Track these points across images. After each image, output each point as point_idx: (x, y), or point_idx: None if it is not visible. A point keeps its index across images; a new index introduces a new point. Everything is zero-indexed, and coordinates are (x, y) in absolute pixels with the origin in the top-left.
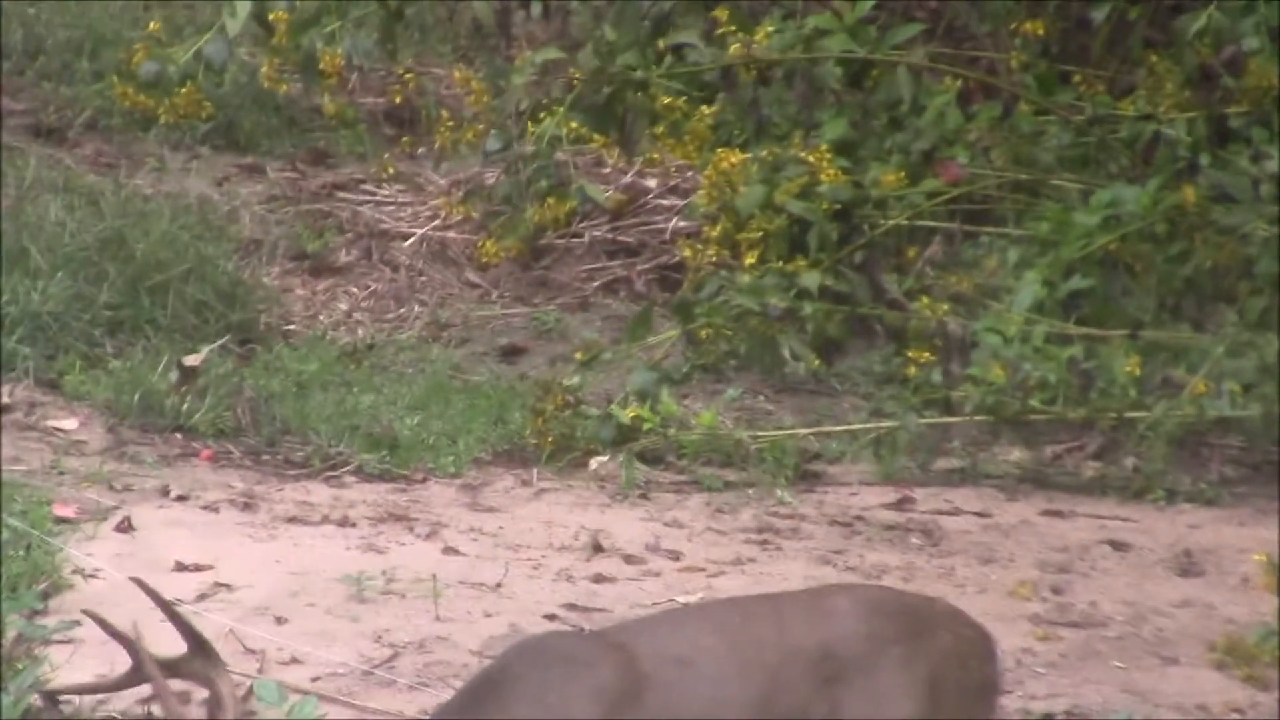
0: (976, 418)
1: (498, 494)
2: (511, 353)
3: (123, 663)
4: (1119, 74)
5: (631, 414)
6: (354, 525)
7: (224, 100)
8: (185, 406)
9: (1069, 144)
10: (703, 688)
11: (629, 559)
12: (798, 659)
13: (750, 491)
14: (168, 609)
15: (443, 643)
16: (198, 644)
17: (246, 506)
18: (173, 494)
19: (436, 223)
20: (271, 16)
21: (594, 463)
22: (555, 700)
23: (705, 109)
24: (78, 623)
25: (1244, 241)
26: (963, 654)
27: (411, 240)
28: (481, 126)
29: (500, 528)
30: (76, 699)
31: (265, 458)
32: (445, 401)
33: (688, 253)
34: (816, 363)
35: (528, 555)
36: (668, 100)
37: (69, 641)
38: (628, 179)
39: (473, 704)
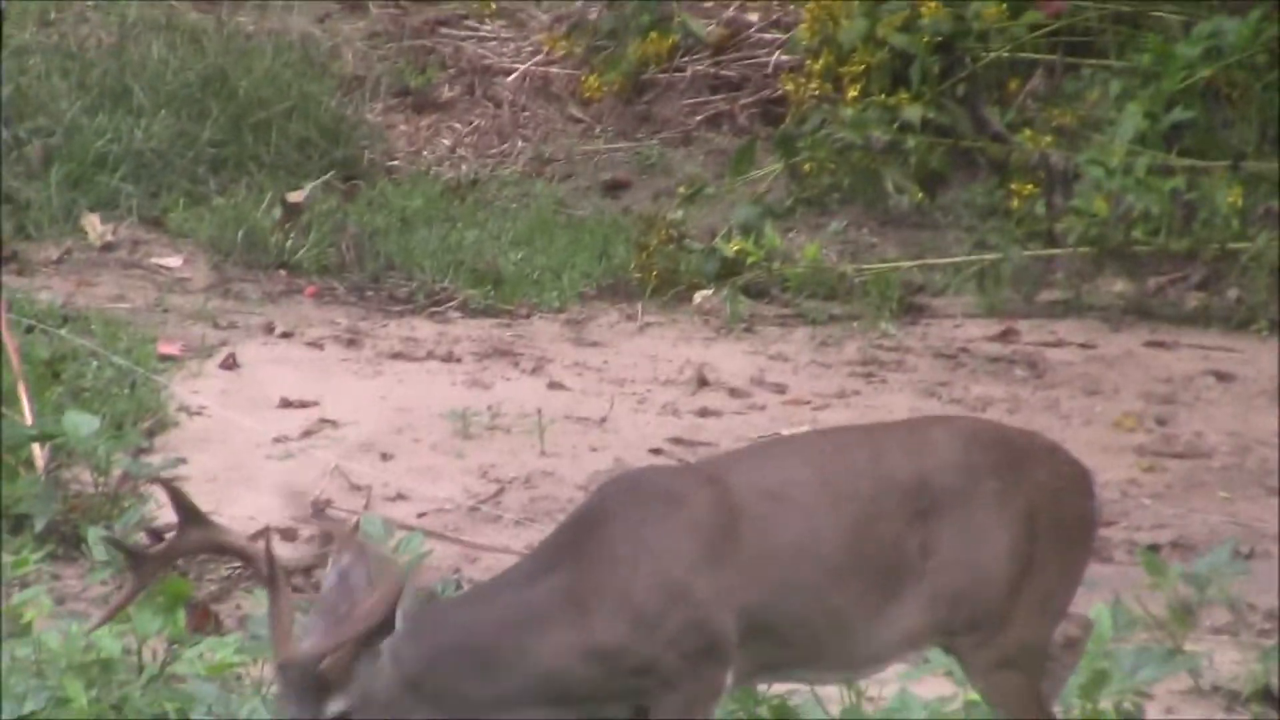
0: (1080, 249)
1: (602, 329)
2: (615, 187)
3: (227, 500)
4: None
5: (735, 248)
6: (459, 361)
7: None
8: (289, 243)
9: None
10: (796, 519)
11: (734, 393)
12: (892, 490)
13: (854, 324)
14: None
15: (548, 478)
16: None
17: (351, 343)
18: (277, 331)
19: (539, 58)
20: None
21: (698, 297)
22: (653, 535)
23: None
24: (183, 460)
25: None
26: (1060, 489)
27: (514, 76)
28: None
29: (605, 362)
30: None
31: (369, 294)
32: (549, 237)
33: (790, 87)
34: (919, 195)
35: (632, 389)
36: None
37: (174, 479)
38: (730, 13)
39: (573, 539)
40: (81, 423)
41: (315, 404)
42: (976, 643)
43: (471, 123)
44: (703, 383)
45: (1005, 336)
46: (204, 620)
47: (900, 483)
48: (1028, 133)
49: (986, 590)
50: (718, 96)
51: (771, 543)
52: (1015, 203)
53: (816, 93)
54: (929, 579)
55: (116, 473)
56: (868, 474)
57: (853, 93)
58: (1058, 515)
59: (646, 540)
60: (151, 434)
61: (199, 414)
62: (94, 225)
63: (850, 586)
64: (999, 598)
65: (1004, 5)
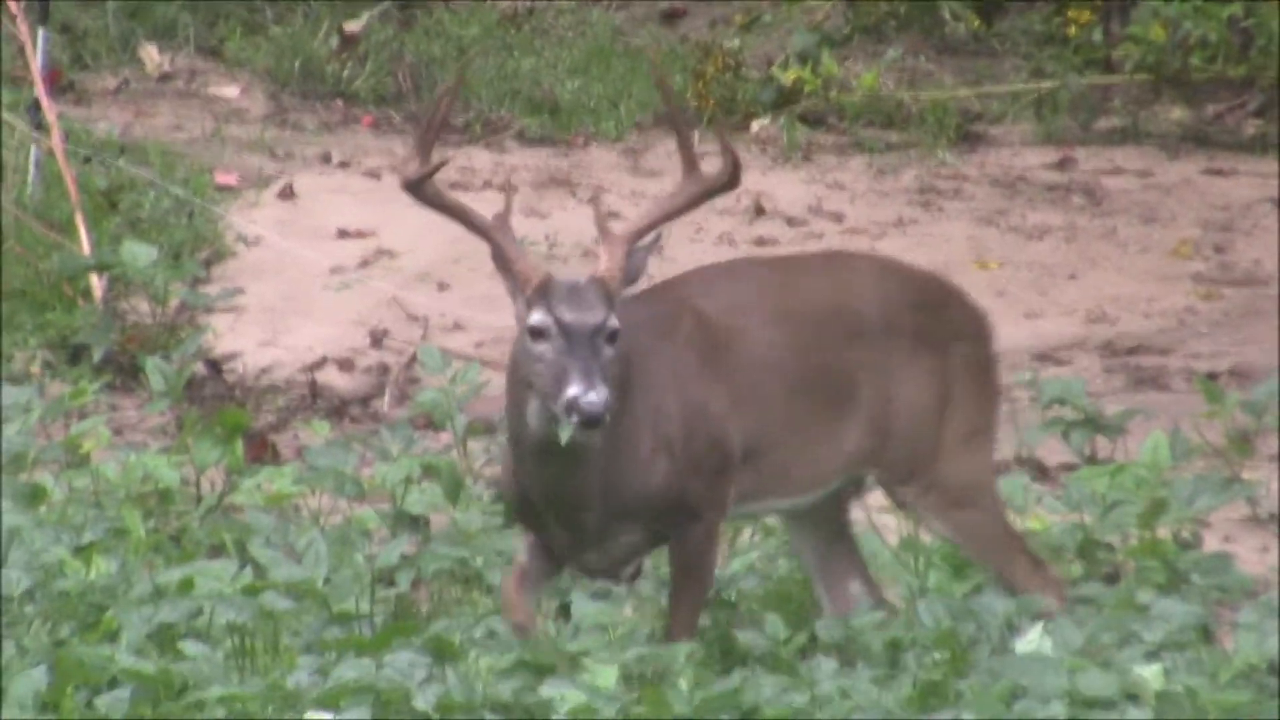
0: (1137, 77)
1: (659, 158)
2: (671, 16)
3: (284, 330)
4: None
5: (792, 76)
6: (515, 190)
7: None
8: (346, 73)
9: None
10: (761, 340)
11: (791, 221)
12: (829, 315)
13: (912, 152)
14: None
15: None
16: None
17: None
18: (334, 160)
19: None
20: None
21: (755, 125)
22: (661, 365)
23: None
24: (240, 290)
25: None
26: (968, 329)
27: None
28: None
29: (662, 190)
30: (239, 367)
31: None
32: (606, 65)
33: None
34: (976, 22)
35: (689, 218)
36: None
37: (231, 310)
38: None
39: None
40: (139, 253)
41: (372, 234)
42: (921, 489)
43: None
44: (760, 211)
45: (1063, 164)
46: (262, 450)
47: (835, 309)
48: None
49: (913, 420)
50: None
51: (748, 362)
52: (1072, 29)
53: None
54: (864, 404)
55: (174, 303)
56: (808, 299)
57: None
58: (968, 353)
59: (660, 353)
60: (209, 264)
61: (256, 244)
62: (151, 55)
63: (808, 404)
64: (926, 429)
65: None
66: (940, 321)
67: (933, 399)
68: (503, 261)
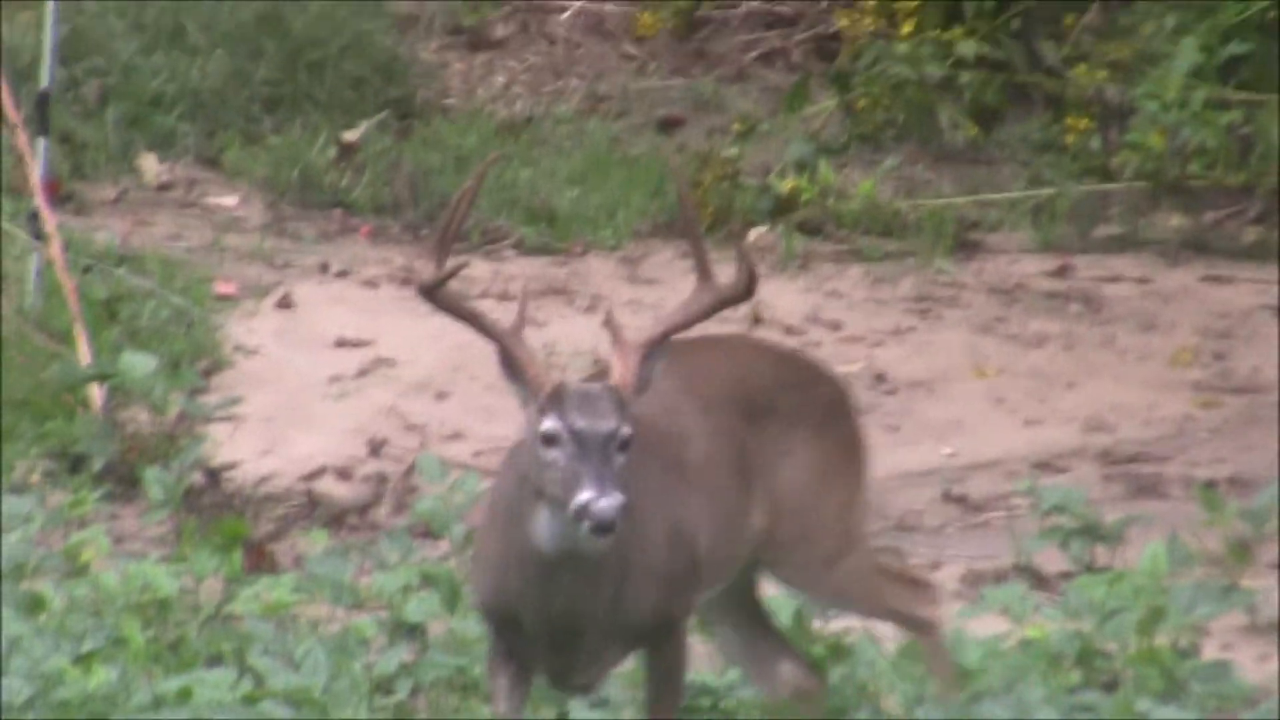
0: (1135, 184)
1: (657, 266)
2: (668, 124)
3: (283, 439)
4: None
5: (790, 185)
6: (514, 299)
7: None
8: (344, 182)
9: None
10: (693, 435)
11: (789, 329)
12: (726, 399)
13: (909, 261)
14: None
15: None
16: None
17: (406, 282)
18: (332, 270)
19: None
20: None
21: (753, 234)
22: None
23: None
24: (239, 400)
25: None
26: (838, 404)
27: (568, 13)
28: None
29: (660, 300)
30: (238, 476)
31: (424, 232)
32: (604, 174)
33: (844, 22)
34: (974, 131)
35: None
36: None
37: (230, 419)
38: None
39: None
40: (138, 363)
41: (371, 343)
42: (803, 561)
43: (525, 60)
44: (758, 320)
45: (1061, 272)
46: (260, 560)
47: (734, 393)
48: (1083, 67)
49: (799, 496)
50: (772, 32)
51: (695, 465)
52: (1070, 138)
53: (871, 28)
54: (760, 483)
55: (173, 412)
56: (715, 386)
57: (907, 28)
58: (840, 427)
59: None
60: (208, 374)
61: (255, 353)
62: (150, 165)
63: (730, 492)
64: (810, 504)
65: None
66: (812, 399)
67: (814, 475)
68: (514, 368)
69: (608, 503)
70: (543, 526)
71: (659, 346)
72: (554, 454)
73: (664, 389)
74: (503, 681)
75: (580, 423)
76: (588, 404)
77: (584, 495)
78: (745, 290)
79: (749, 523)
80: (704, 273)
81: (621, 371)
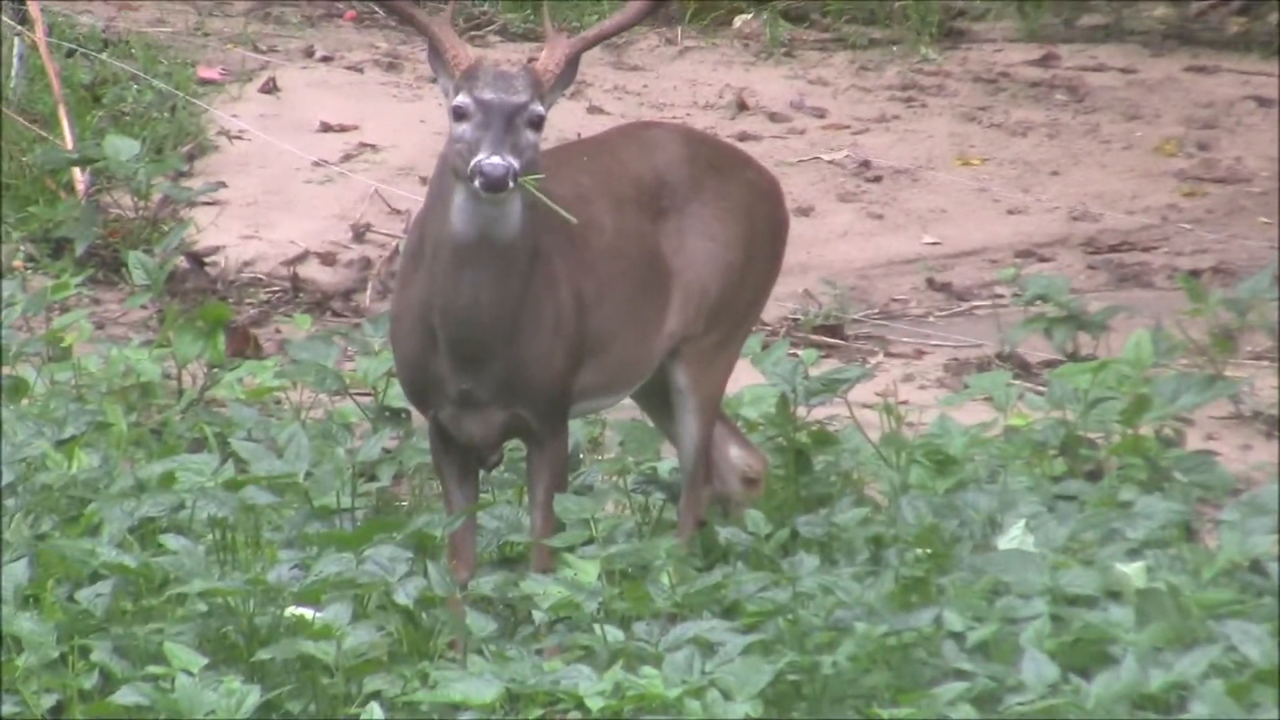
0: None
1: (642, 52)
2: None
3: (266, 224)
4: None
5: None
6: None
7: None
8: None
9: None
10: (602, 226)
11: (773, 116)
12: (643, 190)
13: (894, 49)
14: None
15: None
16: None
17: (390, 66)
18: (317, 54)
19: None
20: None
21: (738, 20)
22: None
23: None
24: (223, 184)
25: None
26: (764, 191)
27: None
28: None
29: (644, 86)
30: (222, 261)
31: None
32: None
33: None
34: None
35: (672, 113)
36: None
37: (214, 203)
38: None
39: None
40: (122, 147)
41: (355, 128)
42: (697, 343)
43: None
44: (742, 107)
45: (1046, 61)
46: (243, 344)
47: (650, 183)
48: None
49: (720, 283)
50: None
51: (601, 252)
52: None
53: None
54: (678, 277)
55: (156, 197)
56: (630, 178)
57: None
58: (765, 214)
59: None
60: (191, 158)
61: (239, 138)
62: None
63: (642, 291)
64: (729, 290)
65: None
66: (740, 184)
67: (738, 260)
68: (437, 52)
69: (499, 159)
70: (457, 210)
71: (587, 47)
72: (463, 127)
73: (580, 182)
74: (451, 470)
75: (488, 94)
76: (500, 80)
77: (479, 156)
78: None
79: (663, 328)
80: None
81: (545, 59)
